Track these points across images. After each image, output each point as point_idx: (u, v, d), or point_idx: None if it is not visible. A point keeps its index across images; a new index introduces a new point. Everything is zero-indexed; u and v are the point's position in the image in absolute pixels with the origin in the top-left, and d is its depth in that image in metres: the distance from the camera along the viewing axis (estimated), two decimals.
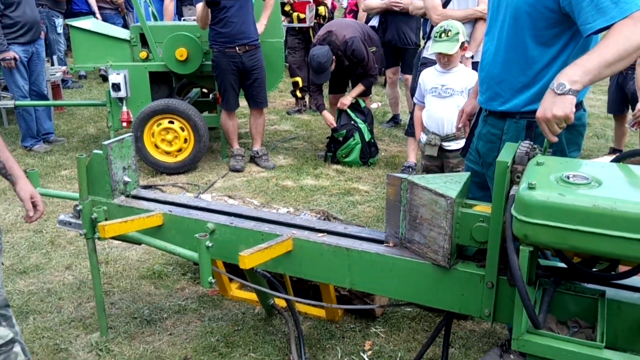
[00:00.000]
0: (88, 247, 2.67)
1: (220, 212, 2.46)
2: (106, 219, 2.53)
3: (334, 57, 5.12)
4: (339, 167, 5.36)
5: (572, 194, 1.48)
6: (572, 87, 1.74)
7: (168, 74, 5.37)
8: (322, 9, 7.15)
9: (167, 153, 5.14)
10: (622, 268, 1.74)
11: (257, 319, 2.99)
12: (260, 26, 5.16)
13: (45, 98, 5.95)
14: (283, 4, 6.73)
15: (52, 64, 7.59)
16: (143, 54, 5.22)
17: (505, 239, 1.64)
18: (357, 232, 2.22)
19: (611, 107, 5.63)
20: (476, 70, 2.77)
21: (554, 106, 1.76)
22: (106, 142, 2.51)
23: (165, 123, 5.05)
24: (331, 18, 7.46)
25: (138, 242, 2.58)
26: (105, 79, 8.89)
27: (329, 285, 2.68)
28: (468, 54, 4.13)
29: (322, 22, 7.08)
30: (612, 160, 1.83)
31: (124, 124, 5.19)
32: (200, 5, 4.86)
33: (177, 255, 2.36)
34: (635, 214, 1.39)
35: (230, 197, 3.44)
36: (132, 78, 5.15)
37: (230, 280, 3.10)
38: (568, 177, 1.55)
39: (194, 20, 5.71)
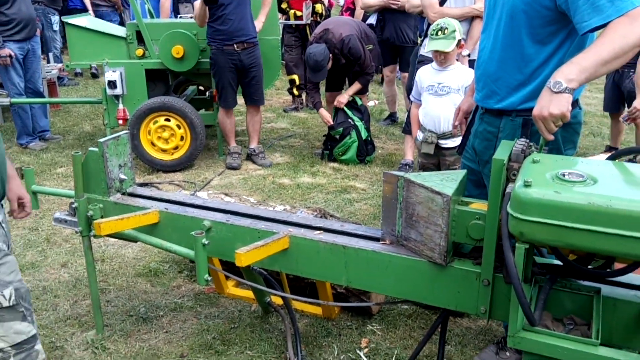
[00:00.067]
0: (84, 245, 2.67)
1: (217, 209, 2.46)
2: (102, 217, 2.52)
3: (330, 55, 5.12)
4: (335, 164, 5.36)
5: (567, 192, 1.48)
6: (569, 85, 1.75)
7: (164, 72, 5.35)
8: (319, 7, 7.14)
9: (164, 151, 5.13)
10: (618, 265, 1.75)
11: (254, 316, 2.99)
12: (259, 23, 5.16)
13: (41, 95, 5.93)
14: (280, 2, 6.72)
15: (48, 62, 7.56)
16: (139, 52, 5.20)
17: (501, 236, 1.64)
18: (354, 229, 2.22)
19: (607, 105, 5.64)
20: (473, 68, 2.78)
21: (551, 104, 1.76)
22: (102, 140, 2.50)
23: (161, 121, 5.04)
24: (328, 16, 7.44)
25: (134, 240, 2.58)
26: (95, 76, 8.87)
27: (325, 282, 2.68)
28: (465, 51, 4.14)
29: (319, 19, 7.07)
30: (608, 158, 1.83)
31: (120, 122, 5.18)
32: (198, 3, 4.85)
33: (173, 253, 2.36)
34: (631, 212, 1.39)
35: (226, 194, 3.44)
36: (128, 75, 5.13)
37: (227, 277, 3.10)
38: (564, 175, 1.55)
39: (191, 17, 5.71)
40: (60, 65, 7.26)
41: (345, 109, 5.37)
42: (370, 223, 4.02)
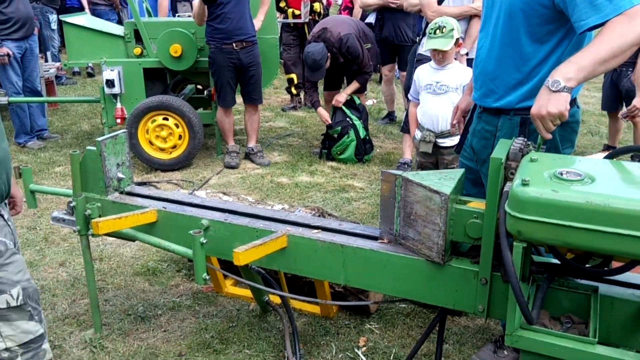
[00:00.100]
0: (82, 244, 2.67)
1: (215, 208, 2.45)
2: (100, 216, 2.52)
3: (329, 54, 5.12)
4: (334, 164, 5.36)
5: (565, 191, 1.48)
6: (567, 84, 1.75)
7: (162, 71, 5.34)
8: (317, 6, 7.14)
9: (162, 150, 5.13)
10: (615, 264, 1.75)
11: (252, 315, 2.99)
12: (258, 22, 5.15)
13: (39, 94, 5.92)
14: (278, 0, 6.71)
15: (46, 60, 7.56)
16: (137, 50, 5.20)
17: (499, 235, 1.64)
18: (352, 228, 2.22)
19: (605, 104, 5.65)
20: (471, 67, 2.78)
21: (549, 103, 1.76)
22: (100, 139, 2.50)
23: (159, 120, 5.03)
24: (326, 15, 7.44)
25: (132, 239, 2.58)
26: (90, 75, 8.86)
27: (323, 281, 2.69)
28: (463, 50, 4.13)
29: (317, 18, 7.06)
30: (606, 157, 1.83)
31: (118, 121, 5.18)
32: (197, 1, 4.84)
33: (172, 252, 2.36)
34: (628, 210, 1.39)
35: (224, 193, 3.44)
36: (126, 74, 5.13)
37: (225, 277, 3.10)
38: (561, 174, 1.55)
39: (189, 16, 5.70)
40: (58, 64, 7.25)
41: (344, 108, 5.37)
42: (368, 222, 4.03)
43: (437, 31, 3.60)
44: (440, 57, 3.70)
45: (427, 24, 4.26)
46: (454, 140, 3.62)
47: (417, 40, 4.88)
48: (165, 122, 5.04)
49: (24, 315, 1.81)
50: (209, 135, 5.86)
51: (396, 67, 6.38)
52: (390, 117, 6.73)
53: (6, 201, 1.96)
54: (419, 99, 3.90)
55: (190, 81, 6.05)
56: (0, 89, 5.93)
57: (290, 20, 6.95)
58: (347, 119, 5.35)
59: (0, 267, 1.75)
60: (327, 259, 2.12)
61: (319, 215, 3.07)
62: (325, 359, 2.66)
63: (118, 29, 5.46)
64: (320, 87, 5.79)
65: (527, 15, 2.03)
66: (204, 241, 2.08)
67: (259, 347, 2.72)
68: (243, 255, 2.02)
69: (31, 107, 5.82)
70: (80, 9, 8.16)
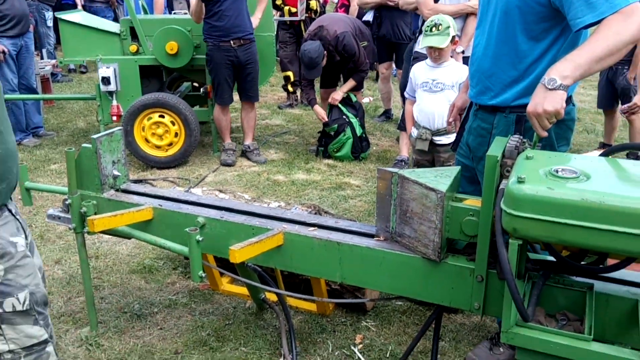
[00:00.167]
0: (77, 242, 2.66)
1: (211, 206, 2.45)
2: (95, 213, 2.51)
3: (325, 52, 5.11)
4: (330, 161, 5.36)
5: (560, 188, 1.48)
6: (563, 82, 1.75)
7: (158, 68, 5.34)
8: (313, 3, 7.13)
9: (158, 147, 5.12)
10: (610, 261, 1.75)
11: (248, 313, 2.99)
12: (255, 20, 5.14)
13: (35, 92, 5.90)
14: None
15: (42, 58, 7.51)
16: (133, 48, 5.18)
17: (495, 232, 1.64)
18: (348, 226, 2.22)
19: (601, 102, 5.66)
20: (467, 65, 2.78)
21: (545, 101, 1.76)
22: (95, 136, 2.49)
23: (155, 117, 5.02)
24: (322, 12, 7.44)
25: (128, 237, 2.57)
26: (83, 72, 8.83)
27: (319, 279, 2.69)
28: (459, 48, 4.14)
29: (313, 16, 7.06)
30: (601, 155, 1.84)
31: (114, 118, 5.17)
32: None
33: (168, 250, 2.36)
34: (623, 208, 1.40)
35: (221, 191, 3.43)
36: (122, 72, 5.12)
37: (221, 274, 3.10)
38: (557, 171, 1.55)
39: (185, 13, 5.69)
40: (53, 61, 7.22)
41: (340, 105, 5.36)
42: (364, 219, 4.03)
43: (434, 29, 3.61)
44: (436, 54, 3.70)
45: (423, 21, 4.26)
46: (450, 138, 3.63)
47: (414, 37, 4.88)
48: (161, 119, 5.03)
49: (29, 320, 1.82)
50: (205, 133, 5.85)
51: (394, 65, 6.38)
52: (387, 114, 6.73)
53: (12, 195, 1.95)
54: (415, 97, 3.91)
55: (186, 79, 6.04)
56: None
57: (287, 18, 6.94)
58: (344, 116, 5.35)
59: (10, 269, 1.75)
60: (323, 257, 2.12)
61: (316, 213, 3.07)
62: (322, 357, 2.66)
63: (114, 26, 5.44)
64: (317, 85, 5.79)
65: (523, 13, 2.03)
66: (200, 239, 2.07)
67: (255, 344, 2.73)
68: (239, 252, 2.02)
69: (27, 104, 5.81)
70: (76, 6, 8.13)
